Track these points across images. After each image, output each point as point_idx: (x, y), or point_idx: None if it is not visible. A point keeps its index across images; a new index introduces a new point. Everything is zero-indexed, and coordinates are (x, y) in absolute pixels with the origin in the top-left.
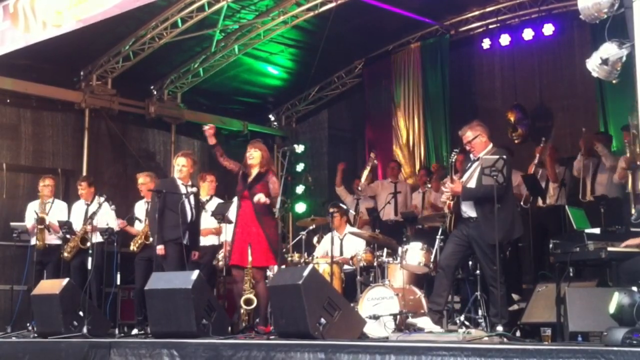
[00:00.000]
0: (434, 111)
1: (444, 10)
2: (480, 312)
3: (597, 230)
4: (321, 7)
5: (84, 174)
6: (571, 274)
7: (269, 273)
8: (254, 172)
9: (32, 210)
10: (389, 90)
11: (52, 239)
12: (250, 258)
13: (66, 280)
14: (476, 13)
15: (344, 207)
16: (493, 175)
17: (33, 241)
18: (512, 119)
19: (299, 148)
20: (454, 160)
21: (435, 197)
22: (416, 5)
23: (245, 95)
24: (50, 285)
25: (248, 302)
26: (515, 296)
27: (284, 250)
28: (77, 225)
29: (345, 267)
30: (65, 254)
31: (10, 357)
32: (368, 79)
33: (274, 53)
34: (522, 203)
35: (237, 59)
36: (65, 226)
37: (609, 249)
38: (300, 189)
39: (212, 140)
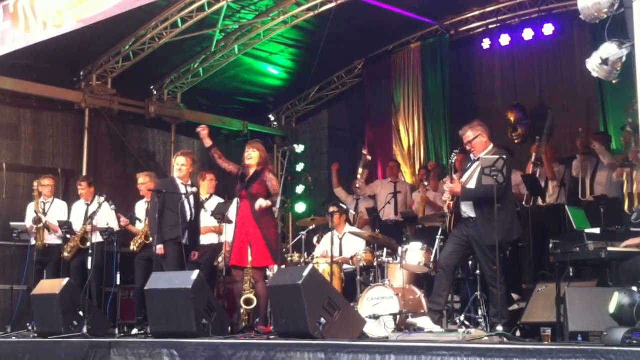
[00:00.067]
0: (434, 111)
1: (444, 10)
2: (480, 312)
3: (597, 230)
4: (321, 7)
5: (84, 174)
6: (571, 274)
7: (269, 273)
8: (252, 172)
9: (32, 210)
10: (389, 90)
11: (52, 239)
12: (250, 258)
13: (66, 280)
14: (476, 13)
15: (344, 206)
16: (493, 175)
17: (33, 241)
18: (512, 119)
19: (299, 148)
20: (453, 161)
21: (434, 196)
22: (416, 5)
23: (245, 95)
24: (50, 285)
25: (248, 302)
26: (515, 296)
27: (284, 250)
28: (77, 225)
29: (345, 267)
30: (66, 254)
31: (10, 357)
32: (368, 79)
33: (274, 53)
34: (524, 203)
35: (237, 59)
36: (65, 226)
37: (609, 249)
38: (300, 189)
39: (207, 142)
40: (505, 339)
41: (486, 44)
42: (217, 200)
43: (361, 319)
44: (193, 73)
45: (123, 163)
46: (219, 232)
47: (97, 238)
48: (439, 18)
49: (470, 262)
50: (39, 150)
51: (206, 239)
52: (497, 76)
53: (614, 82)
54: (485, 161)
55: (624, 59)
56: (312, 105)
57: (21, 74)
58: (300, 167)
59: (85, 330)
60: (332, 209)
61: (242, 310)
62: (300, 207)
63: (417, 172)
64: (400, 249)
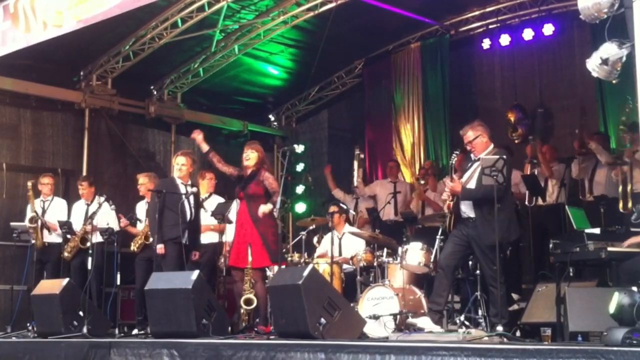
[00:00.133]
0: (434, 111)
1: (444, 10)
2: (480, 312)
3: (597, 230)
4: (321, 7)
5: (84, 174)
6: (571, 274)
7: (269, 273)
8: (249, 173)
9: (36, 210)
10: (389, 90)
11: (52, 238)
12: (250, 258)
13: (66, 280)
14: (476, 13)
15: (344, 206)
16: (493, 175)
17: (33, 241)
18: (512, 119)
19: (299, 148)
20: (453, 162)
21: (433, 196)
22: (416, 5)
23: (245, 95)
24: (50, 285)
25: (248, 302)
26: (515, 296)
27: (284, 250)
28: (77, 225)
29: (345, 267)
30: (66, 254)
31: (10, 357)
32: (368, 79)
33: (274, 53)
34: (526, 202)
35: (237, 59)
36: (65, 226)
37: (609, 249)
38: (300, 189)
39: (204, 147)
40: (505, 339)
41: (486, 44)
42: (216, 199)
43: (361, 319)
44: (193, 73)
45: (123, 163)
46: (218, 231)
47: (97, 238)
48: (439, 18)
49: (470, 262)
50: (39, 150)
51: (206, 238)
52: (497, 76)
53: (614, 82)
54: (486, 161)
55: (624, 59)
56: (312, 105)
57: (21, 74)
58: (300, 167)
59: (85, 330)
60: (332, 209)
61: (242, 310)
62: (300, 207)
63: (417, 172)
64: (400, 249)
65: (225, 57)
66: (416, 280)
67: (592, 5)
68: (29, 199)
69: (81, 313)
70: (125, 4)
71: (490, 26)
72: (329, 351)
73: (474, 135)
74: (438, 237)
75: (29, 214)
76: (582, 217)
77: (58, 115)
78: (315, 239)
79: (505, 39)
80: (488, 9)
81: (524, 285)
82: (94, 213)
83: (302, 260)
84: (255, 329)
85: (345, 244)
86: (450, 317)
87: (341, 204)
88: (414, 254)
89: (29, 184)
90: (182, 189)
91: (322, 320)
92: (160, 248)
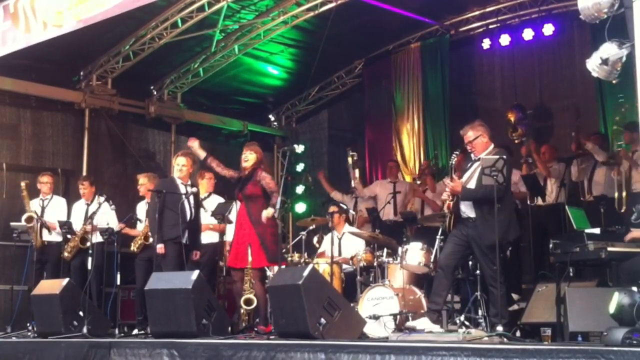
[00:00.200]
0: (434, 111)
1: (444, 10)
2: (480, 312)
3: (597, 230)
4: (321, 7)
5: (84, 174)
6: (571, 274)
7: (269, 273)
8: (247, 173)
9: (32, 209)
10: (389, 90)
11: (51, 237)
12: (250, 258)
13: (66, 280)
14: (476, 13)
15: (344, 206)
16: (493, 175)
17: (33, 241)
18: (512, 119)
19: (299, 148)
20: (453, 162)
21: (432, 196)
22: (416, 5)
23: (245, 95)
24: (50, 285)
25: (248, 302)
26: (515, 296)
27: (284, 250)
28: (77, 225)
29: (345, 267)
30: (66, 254)
31: (10, 357)
32: (368, 79)
33: (274, 53)
34: (528, 202)
35: (237, 59)
36: (65, 226)
37: (609, 249)
38: (300, 189)
39: (201, 154)
40: (505, 339)
41: (486, 44)
42: (216, 198)
43: (361, 319)
44: (193, 73)
45: (123, 163)
46: (218, 231)
47: (97, 238)
48: (439, 18)
49: (470, 262)
50: (39, 150)
51: (205, 238)
52: (497, 76)
53: (614, 82)
54: (486, 161)
55: (624, 59)
56: (312, 105)
57: (21, 74)
58: (300, 167)
59: (85, 330)
60: (331, 209)
61: (242, 310)
62: (300, 207)
63: (416, 172)
64: (400, 249)
65: (225, 57)
66: (416, 280)
67: (592, 5)
68: (24, 199)
69: (81, 313)
70: (125, 4)
71: (490, 26)
72: (329, 351)
73: (474, 136)
74: (438, 237)
75: (32, 212)
76: (582, 217)
77: (58, 115)
78: (315, 239)
79: (505, 39)
80: (488, 9)
81: (524, 285)
82: (94, 213)
83: (302, 260)
84: (256, 329)
85: (345, 244)
86: (450, 317)
87: (341, 204)
88: (414, 254)
89: (23, 184)
90: (182, 189)
91: (322, 320)
92: (160, 248)
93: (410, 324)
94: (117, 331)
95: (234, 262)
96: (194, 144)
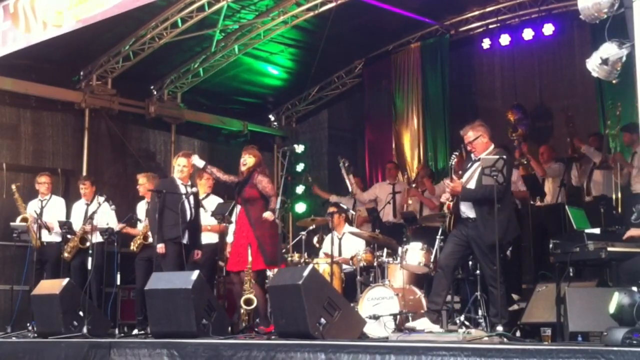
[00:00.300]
0: (434, 111)
1: (444, 10)
2: (480, 312)
3: (597, 230)
4: (321, 7)
5: (84, 173)
6: (571, 274)
7: (269, 273)
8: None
9: (31, 209)
10: (389, 90)
11: (50, 237)
12: (250, 259)
13: (66, 280)
14: (476, 13)
15: (344, 206)
16: (493, 175)
17: (33, 242)
18: (512, 119)
19: (299, 148)
20: (453, 163)
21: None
22: (416, 5)
23: (245, 95)
24: (50, 285)
25: (248, 302)
26: (515, 296)
27: (284, 250)
28: (77, 225)
29: (345, 267)
30: (66, 254)
31: (10, 357)
32: (368, 79)
33: (274, 53)
34: (530, 201)
35: (237, 59)
36: (65, 226)
37: (609, 249)
38: (300, 189)
39: (200, 164)
40: (505, 339)
41: (486, 44)
42: (214, 199)
43: (361, 319)
44: (193, 73)
45: (123, 163)
46: (216, 231)
47: (97, 238)
48: (439, 18)
49: (470, 262)
50: (39, 150)
51: (205, 238)
52: (497, 76)
53: (613, 82)
54: (486, 161)
55: (624, 59)
56: (312, 105)
57: (21, 74)
58: (300, 167)
59: (85, 330)
60: (331, 209)
61: (242, 310)
62: (300, 207)
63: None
64: (400, 249)
65: (225, 57)
66: (416, 281)
67: (592, 5)
68: (16, 202)
69: (81, 313)
70: (124, 4)
71: (490, 26)
72: (329, 351)
73: (475, 136)
74: (438, 237)
75: (29, 213)
76: (582, 217)
77: (58, 115)
78: (315, 239)
79: (505, 39)
80: (488, 9)
81: (524, 285)
82: (94, 213)
83: (302, 260)
84: (256, 330)
85: (345, 244)
86: (450, 317)
87: (340, 204)
88: (414, 254)
89: (13, 187)
90: (182, 189)
91: (322, 320)
92: (160, 247)
93: (410, 324)
94: (117, 331)
95: (233, 266)
96: (193, 158)
